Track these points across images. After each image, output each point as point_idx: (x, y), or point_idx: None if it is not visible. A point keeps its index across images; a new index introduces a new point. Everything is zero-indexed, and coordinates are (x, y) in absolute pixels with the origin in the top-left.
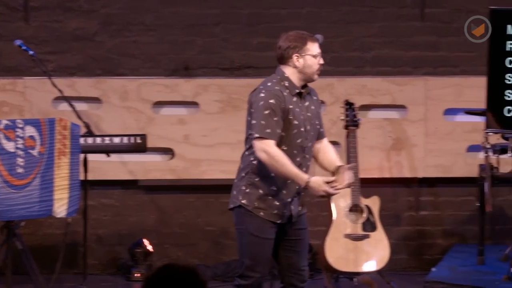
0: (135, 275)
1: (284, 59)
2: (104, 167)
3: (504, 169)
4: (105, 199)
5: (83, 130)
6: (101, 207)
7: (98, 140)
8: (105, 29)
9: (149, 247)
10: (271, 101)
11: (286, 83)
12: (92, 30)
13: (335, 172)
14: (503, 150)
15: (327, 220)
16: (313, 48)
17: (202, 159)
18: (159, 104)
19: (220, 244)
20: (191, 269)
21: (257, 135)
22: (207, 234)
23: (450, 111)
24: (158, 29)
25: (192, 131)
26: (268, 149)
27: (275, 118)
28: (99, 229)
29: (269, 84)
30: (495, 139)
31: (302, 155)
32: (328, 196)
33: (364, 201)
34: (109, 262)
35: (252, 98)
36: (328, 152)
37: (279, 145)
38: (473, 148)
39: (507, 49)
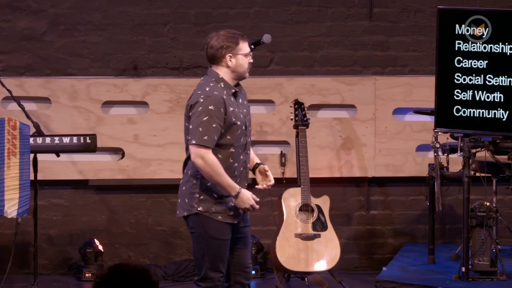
0: (86, 275)
1: (216, 59)
2: (54, 167)
3: (453, 168)
4: (55, 199)
5: (32, 130)
6: (52, 207)
7: (48, 140)
8: (54, 29)
9: (100, 247)
10: (210, 107)
11: (222, 84)
12: (40, 30)
13: (255, 169)
14: (452, 149)
15: (278, 219)
16: (245, 47)
17: (152, 158)
18: (109, 103)
19: (171, 244)
20: (142, 269)
21: (194, 142)
22: (158, 234)
23: (399, 111)
24: (106, 28)
25: (142, 130)
26: (205, 156)
27: (214, 125)
28: (50, 229)
29: (207, 89)
30: (445, 138)
31: (245, 152)
32: (249, 210)
33: (314, 201)
34: (60, 262)
35: (190, 103)
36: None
37: (227, 148)
38: (422, 148)
39: (456, 48)
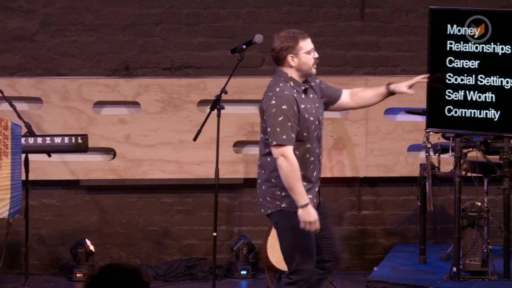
0: (77, 275)
1: (280, 61)
2: (45, 167)
3: (445, 168)
4: (47, 199)
5: (24, 130)
6: (43, 207)
7: (39, 140)
8: (45, 29)
9: (91, 247)
10: (284, 107)
11: (292, 83)
12: (32, 30)
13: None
14: (444, 149)
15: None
16: (305, 44)
17: (143, 159)
18: (100, 104)
19: (162, 244)
20: (133, 269)
21: (274, 143)
22: (149, 234)
23: (391, 111)
24: (98, 28)
25: (133, 131)
26: (286, 154)
27: (289, 124)
28: (41, 229)
29: (277, 89)
30: (436, 138)
31: (319, 145)
32: (307, 228)
33: None
34: (51, 262)
35: (263, 106)
36: (359, 92)
37: (303, 144)
38: (414, 148)
39: (447, 48)
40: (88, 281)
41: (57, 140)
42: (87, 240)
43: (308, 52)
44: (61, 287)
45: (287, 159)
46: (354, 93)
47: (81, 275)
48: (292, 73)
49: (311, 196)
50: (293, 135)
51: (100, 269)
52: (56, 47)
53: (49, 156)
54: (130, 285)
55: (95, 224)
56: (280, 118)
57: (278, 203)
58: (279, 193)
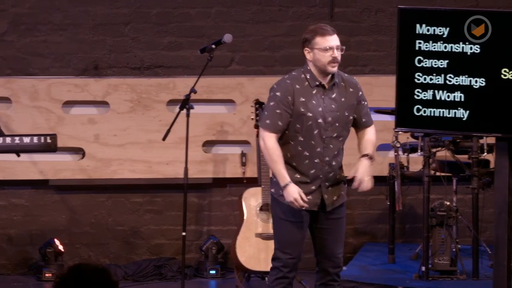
0: (46, 275)
1: (303, 52)
2: (14, 167)
3: (414, 168)
4: (16, 199)
5: None
6: (12, 207)
7: (8, 140)
8: (15, 29)
9: (60, 247)
10: (278, 93)
11: (308, 75)
12: (1, 30)
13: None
14: (412, 149)
15: (238, 219)
16: (322, 41)
17: (112, 158)
18: (69, 103)
19: (131, 244)
20: (102, 269)
21: (259, 124)
22: (118, 234)
23: None
24: (67, 28)
25: (103, 130)
26: (265, 139)
27: (278, 111)
28: (10, 229)
29: (286, 76)
30: (405, 138)
31: (323, 145)
32: (294, 205)
33: None
34: (20, 262)
35: None
36: (362, 138)
37: (296, 137)
38: (383, 147)
39: (416, 48)
40: (57, 281)
41: (26, 140)
42: (56, 240)
43: (323, 49)
44: (29, 287)
45: (264, 142)
46: (359, 136)
47: (50, 275)
48: (311, 66)
49: (308, 195)
50: (279, 123)
51: (69, 269)
52: (25, 46)
53: (18, 155)
54: (99, 285)
55: (64, 224)
56: (271, 103)
57: (271, 187)
58: (272, 177)
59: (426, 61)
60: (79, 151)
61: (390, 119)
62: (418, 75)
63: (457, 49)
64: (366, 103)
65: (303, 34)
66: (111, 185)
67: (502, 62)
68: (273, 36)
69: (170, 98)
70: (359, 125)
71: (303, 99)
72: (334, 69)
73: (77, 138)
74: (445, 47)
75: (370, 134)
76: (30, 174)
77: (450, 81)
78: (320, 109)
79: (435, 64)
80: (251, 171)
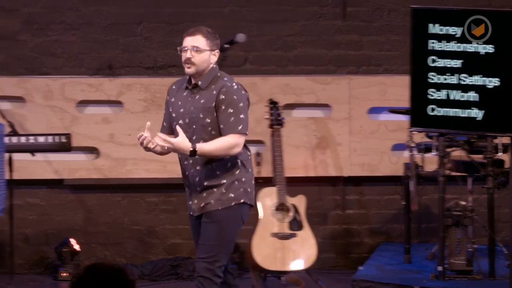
0: (63, 274)
1: None
2: (29, 166)
3: (429, 167)
4: (31, 199)
5: (7, 130)
6: (27, 206)
7: (23, 139)
8: (28, 28)
9: (76, 247)
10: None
11: (187, 77)
12: (14, 29)
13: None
14: (427, 148)
15: (254, 219)
16: (183, 42)
17: (127, 158)
18: (83, 103)
19: (147, 243)
20: (119, 268)
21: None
22: (134, 233)
23: (374, 110)
24: (80, 28)
25: (117, 130)
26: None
27: (164, 111)
28: (26, 228)
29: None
30: (420, 137)
31: None
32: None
33: (290, 200)
34: (36, 261)
35: None
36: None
37: (170, 134)
38: (397, 147)
39: (429, 47)
40: (73, 281)
41: (41, 139)
42: (72, 240)
43: (180, 50)
44: (46, 287)
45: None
46: None
47: (66, 274)
48: None
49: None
50: (164, 123)
51: (85, 268)
52: (38, 46)
53: (33, 155)
54: (115, 284)
55: (80, 224)
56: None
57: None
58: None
59: (439, 61)
60: (93, 151)
61: (404, 118)
62: (432, 75)
63: (470, 49)
64: (231, 110)
65: None
66: (126, 185)
67: None
68: (286, 36)
69: None
70: (220, 131)
71: (173, 100)
72: (189, 70)
73: (91, 137)
74: (458, 47)
75: (222, 138)
76: (45, 173)
77: (464, 81)
78: (182, 110)
79: (449, 64)
80: (266, 171)
